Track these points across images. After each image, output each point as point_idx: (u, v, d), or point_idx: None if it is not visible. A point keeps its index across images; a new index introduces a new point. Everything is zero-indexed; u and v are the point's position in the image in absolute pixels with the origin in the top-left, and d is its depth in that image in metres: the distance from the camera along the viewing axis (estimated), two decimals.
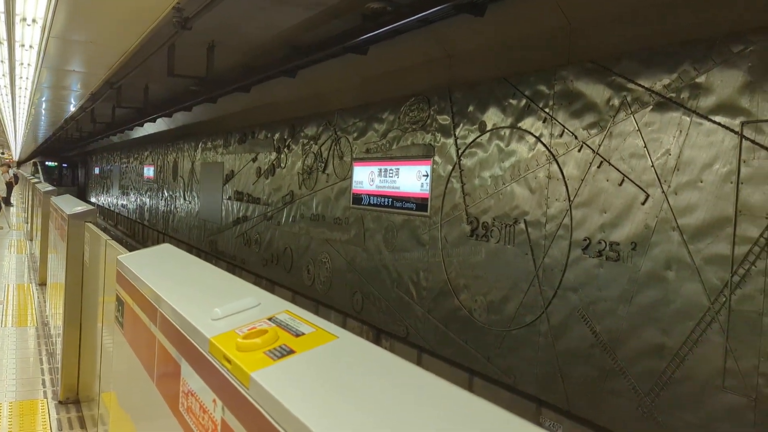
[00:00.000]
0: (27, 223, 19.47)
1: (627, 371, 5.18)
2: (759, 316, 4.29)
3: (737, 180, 4.46)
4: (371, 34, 6.73)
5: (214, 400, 1.48)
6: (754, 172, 4.37)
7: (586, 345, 5.55)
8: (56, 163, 49.66)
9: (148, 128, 21.03)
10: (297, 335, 1.45)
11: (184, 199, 18.74)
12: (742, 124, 4.44)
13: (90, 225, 5.33)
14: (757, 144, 4.35)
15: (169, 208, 20.50)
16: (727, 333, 4.48)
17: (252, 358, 1.37)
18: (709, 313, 4.60)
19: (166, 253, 2.83)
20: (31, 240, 15.45)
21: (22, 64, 9.76)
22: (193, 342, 1.66)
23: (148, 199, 23.93)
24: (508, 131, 6.53)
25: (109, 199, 33.37)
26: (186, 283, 2.25)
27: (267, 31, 8.56)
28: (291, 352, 1.36)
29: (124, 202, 28.97)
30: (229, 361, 1.40)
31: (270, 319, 1.58)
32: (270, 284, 12.72)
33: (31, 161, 53.32)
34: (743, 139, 4.43)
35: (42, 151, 49.91)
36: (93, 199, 39.54)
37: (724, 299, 4.51)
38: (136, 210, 25.96)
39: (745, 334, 4.37)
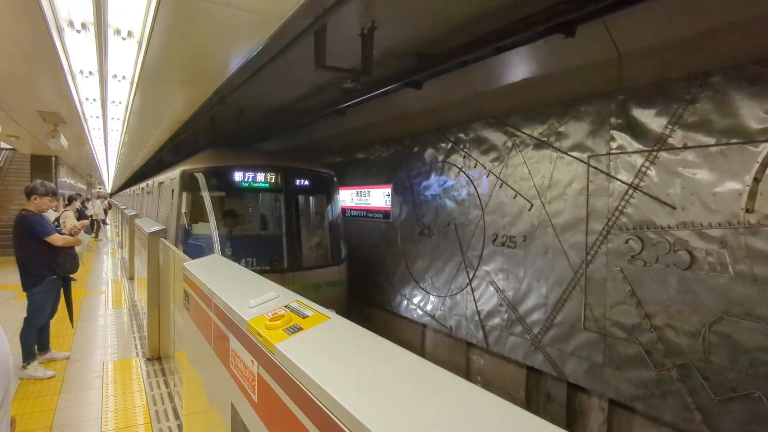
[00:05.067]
0: (118, 236, 19.02)
1: (524, 320, 5.31)
2: (604, 281, 4.44)
3: (587, 193, 4.61)
4: (346, 104, 6.77)
5: (252, 361, 1.55)
6: (597, 188, 4.53)
7: (497, 304, 5.67)
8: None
9: None
10: (304, 317, 1.52)
11: None
12: (588, 156, 4.60)
13: (162, 239, 5.31)
14: (598, 169, 4.51)
15: None
16: (585, 293, 4.62)
17: (275, 334, 1.45)
18: (573, 280, 4.74)
19: (215, 261, 2.87)
20: (122, 248, 15.11)
21: (113, 118, 9.05)
22: (236, 323, 1.73)
23: None
24: (441, 165, 6.64)
25: None
26: (230, 282, 2.31)
27: (275, 101, 8.53)
28: (300, 329, 1.44)
29: None
30: (260, 335, 1.48)
31: (286, 307, 1.66)
32: None
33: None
34: (589, 167, 4.59)
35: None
36: None
37: (582, 271, 4.65)
38: None
39: (596, 293, 4.52)
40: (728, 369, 3.53)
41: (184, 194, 5.74)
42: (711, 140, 3.64)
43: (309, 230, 6.59)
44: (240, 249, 5.65)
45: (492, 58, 5.12)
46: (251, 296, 1.86)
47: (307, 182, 6.40)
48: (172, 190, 6.16)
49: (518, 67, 5.06)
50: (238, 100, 6.82)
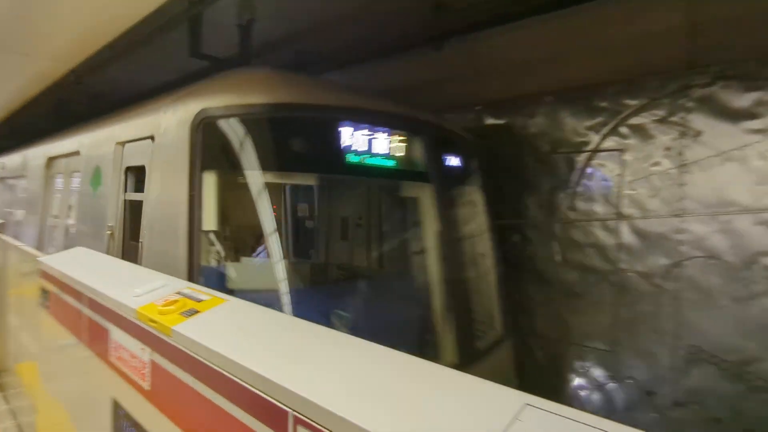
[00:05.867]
0: None
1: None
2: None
3: None
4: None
5: (142, 348, 1.52)
6: None
7: None
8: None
9: None
10: (199, 301, 1.54)
11: None
12: None
13: None
14: None
15: None
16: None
17: (170, 318, 1.44)
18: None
19: (78, 253, 2.62)
20: None
21: None
22: (121, 313, 1.66)
23: None
24: None
25: None
26: (104, 273, 2.15)
27: (142, 87, 7.78)
28: (197, 311, 1.46)
29: None
30: (154, 321, 1.46)
31: (178, 293, 1.64)
32: None
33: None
34: None
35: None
36: None
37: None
38: None
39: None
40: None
41: (208, 178, 2.22)
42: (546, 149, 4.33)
43: (478, 271, 3.17)
44: (353, 316, 2.55)
45: (368, 63, 5.35)
46: (134, 286, 1.80)
47: (461, 157, 3.13)
48: (136, 168, 2.82)
49: (393, 74, 5.38)
50: (98, 83, 6.12)
